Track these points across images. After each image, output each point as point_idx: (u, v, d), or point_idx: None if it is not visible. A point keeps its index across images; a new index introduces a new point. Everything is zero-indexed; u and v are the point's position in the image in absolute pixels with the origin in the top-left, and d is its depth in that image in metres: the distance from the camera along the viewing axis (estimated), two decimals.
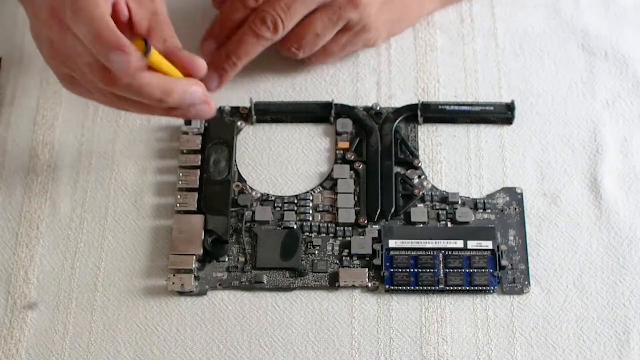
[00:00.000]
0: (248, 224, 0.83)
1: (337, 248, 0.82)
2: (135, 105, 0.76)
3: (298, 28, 0.85)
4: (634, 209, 0.83)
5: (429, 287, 0.80)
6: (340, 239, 0.82)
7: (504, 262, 0.80)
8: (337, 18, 0.85)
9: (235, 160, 0.86)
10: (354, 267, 0.81)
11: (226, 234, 0.81)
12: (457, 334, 0.78)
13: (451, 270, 0.80)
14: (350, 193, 0.84)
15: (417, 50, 0.91)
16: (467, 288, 0.79)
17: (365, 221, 0.82)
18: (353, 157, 0.85)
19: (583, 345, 0.78)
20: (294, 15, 0.84)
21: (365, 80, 0.90)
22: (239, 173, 0.85)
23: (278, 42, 0.86)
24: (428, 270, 0.80)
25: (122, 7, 0.76)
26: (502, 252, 0.80)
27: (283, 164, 0.86)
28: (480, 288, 0.79)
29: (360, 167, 0.85)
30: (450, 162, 0.86)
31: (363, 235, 0.82)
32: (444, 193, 0.84)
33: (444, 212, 0.83)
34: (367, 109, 0.88)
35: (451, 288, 0.80)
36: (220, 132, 0.86)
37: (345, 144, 0.87)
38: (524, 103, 0.88)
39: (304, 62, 0.89)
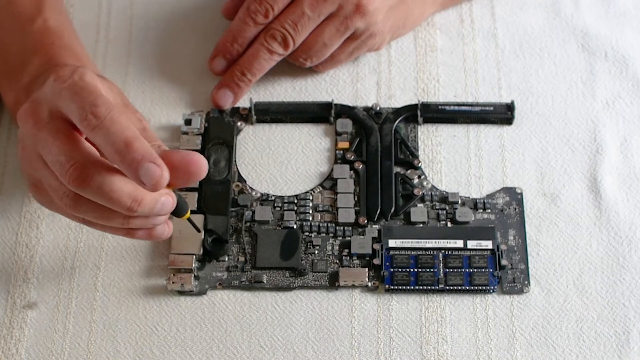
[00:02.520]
0: (248, 224, 0.83)
1: (337, 248, 0.82)
2: (98, 218, 0.73)
3: (306, 39, 0.86)
4: (634, 209, 0.83)
5: (429, 287, 0.80)
6: (340, 238, 0.82)
7: (503, 262, 0.80)
8: (344, 28, 0.86)
9: (235, 160, 0.86)
10: (353, 266, 0.81)
11: (226, 234, 0.81)
12: (457, 334, 0.78)
13: (451, 270, 0.80)
14: (350, 193, 0.84)
15: (417, 50, 0.91)
16: (467, 288, 0.79)
17: (365, 221, 0.82)
18: (353, 157, 0.86)
19: (583, 345, 0.78)
20: (302, 31, 0.85)
21: (365, 80, 0.90)
22: (238, 173, 0.85)
23: None
24: (428, 270, 0.80)
25: None
26: (502, 252, 0.80)
27: (283, 164, 0.86)
28: (480, 288, 0.79)
29: (360, 167, 0.85)
30: (450, 162, 0.86)
31: (363, 235, 0.82)
32: (444, 193, 0.84)
33: (444, 212, 0.83)
34: (367, 109, 0.88)
35: (451, 288, 0.80)
36: (220, 132, 0.86)
37: (345, 144, 0.87)
38: (524, 103, 0.88)
39: (311, 68, 0.89)
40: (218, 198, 0.83)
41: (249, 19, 0.86)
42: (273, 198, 0.84)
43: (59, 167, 0.70)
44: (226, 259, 0.81)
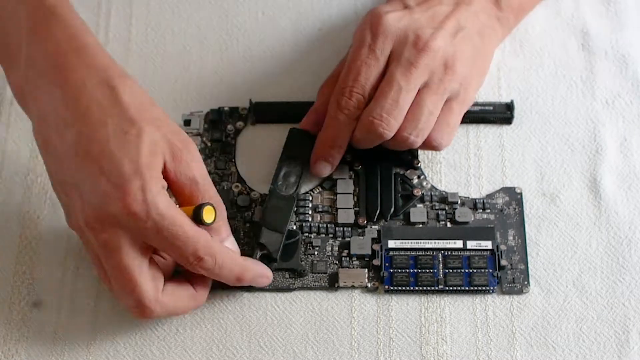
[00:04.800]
0: (248, 225, 0.83)
1: (337, 248, 0.82)
2: None
3: (410, 115, 0.81)
4: (633, 209, 0.83)
5: (429, 288, 0.80)
6: (340, 239, 0.82)
7: (503, 262, 0.80)
8: (442, 90, 0.81)
9: (235, 161, 0.86)
10: (353, 267, 0.81)
11: (277, 252, 0.80)
12: (456, 334, 0.78)
13: (451, 271, 0.80)
14: (350, 193, 0.84)
15: None
16: (467, 288, 0.79)
17: (365, 221, 0.82)
18: (352, 157, 0.85)
19: (583, 345, 0.78)
20: (403, 104, 0.80)
21: None
22: (238, 173, 0.85)
23: None
24: (427, 270, 0.80)
25: None
26: (501, 252, 0.81)
27: None
28: (480, 288, 0.79)
29: (360, 168, 0.85)
30: (450, 162, 0.86)
31: (362, 235, 0.82)
32: (444, 193, 0.84)
33: (444, 212, 0.83)
34: None
35: (451, 288, 0.80)
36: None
37: None
38: (524, 103, 0.88)
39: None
40: (279, 213, 0.81)
41: (342, 115, 0.81)
42: None
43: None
44: None
